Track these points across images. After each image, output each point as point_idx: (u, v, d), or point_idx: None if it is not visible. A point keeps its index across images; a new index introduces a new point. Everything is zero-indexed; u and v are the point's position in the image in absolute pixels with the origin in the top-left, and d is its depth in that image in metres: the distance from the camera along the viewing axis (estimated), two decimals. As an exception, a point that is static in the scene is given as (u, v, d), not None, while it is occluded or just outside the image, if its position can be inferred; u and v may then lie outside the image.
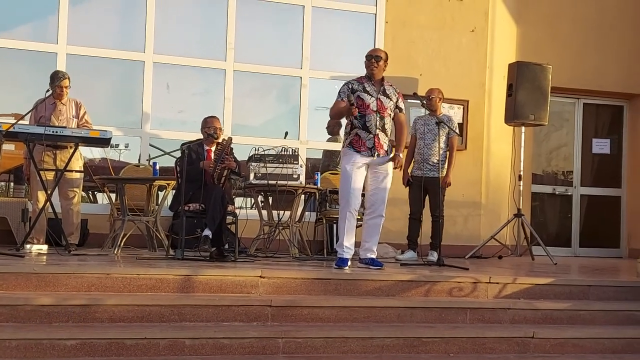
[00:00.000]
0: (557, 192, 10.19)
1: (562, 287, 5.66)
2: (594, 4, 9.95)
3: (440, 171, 7.13)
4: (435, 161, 7.27)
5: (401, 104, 6.19)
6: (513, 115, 8.39)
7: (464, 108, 9.08)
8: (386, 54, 6.23)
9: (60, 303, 4.50)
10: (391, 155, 6.09)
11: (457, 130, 7.47)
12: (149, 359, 4.22)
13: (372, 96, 6.04)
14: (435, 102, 7.46)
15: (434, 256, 6.98)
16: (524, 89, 8.36)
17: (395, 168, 6.13)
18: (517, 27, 9.61)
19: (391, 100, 6.09)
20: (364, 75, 6.16)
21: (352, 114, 5.97)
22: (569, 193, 10.21)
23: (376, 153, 6.01)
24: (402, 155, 6.17)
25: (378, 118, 6.02)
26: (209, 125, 6.84)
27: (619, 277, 6.62)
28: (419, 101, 7.09)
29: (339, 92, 6.11)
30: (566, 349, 5.01)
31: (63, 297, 4.60)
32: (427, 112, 7.46)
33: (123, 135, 8.58)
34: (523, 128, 8.62)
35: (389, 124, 6.08)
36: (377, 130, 6.00)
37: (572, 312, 5.39)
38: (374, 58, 6.10)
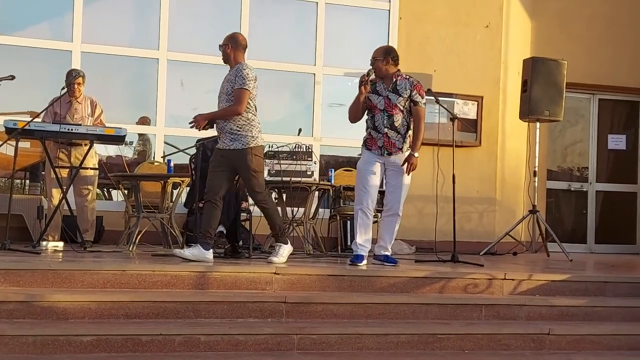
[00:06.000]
0: (572, 188, 10.13)
1: (578, 283, 5.63)
2: (608, -2, 9.89)
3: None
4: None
5: (417, 97, 5.98)
6: (528, 111, 8.34)
7: (478, 104, 9.03)
8: (384, 50, 6.07)
9: (76, 299, 4.52)
10: (407, 153, 6.03)
11: None
12: (164, 355, 4.24)
13: (380, 95, 6.00)
14: None
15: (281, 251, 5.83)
16: (539, 84, 8.31)
17: (407, 172, 5.89)
18: (532, 22, 9.56)
19: (401, 96, 5.97)
20: None
21: (364, 86, 5.86)
22: (585, 189, 10.15)
23: (386, 152, 5.97)
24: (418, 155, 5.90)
25: (385, 117, 5.97)
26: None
27: (635, 274, 6.57)
28: (433, 97, 7.06)
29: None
30: (582, 346, 4.99)
31: (79, 294, 4.63)
32: None
33: (137, 133, 8.60)
34: (538, 124, 8.57)
35: (400, 122, 5.97)
36: (386, 129, 5.96)
37: (588, 308, 5.36)
38: (371, 59, 6.03)
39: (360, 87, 5.91)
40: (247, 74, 5.73)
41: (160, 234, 7.26)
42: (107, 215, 7.78)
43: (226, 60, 5.95)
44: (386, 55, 6.00)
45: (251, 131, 5.74)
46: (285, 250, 5.78)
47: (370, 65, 6.01)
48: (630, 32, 9.90)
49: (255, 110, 5.84)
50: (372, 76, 5.98)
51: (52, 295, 4.52)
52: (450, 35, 9.04)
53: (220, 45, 5.94)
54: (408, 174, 5.96)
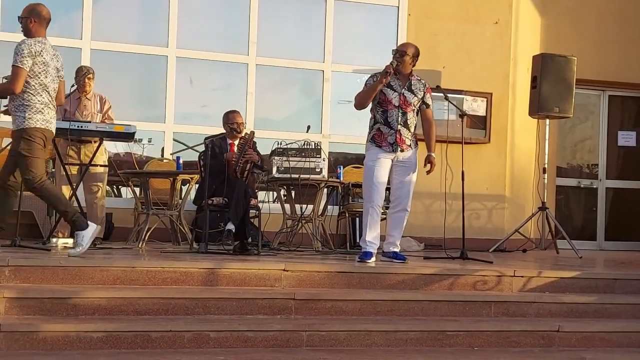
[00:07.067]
0: (582, 185, 10.09)
1: (587, 280, 5.61)
2: (618, -5, 9.84)
3: None
4: None
5: (429, 100, 6.12)
6: (537, 108, 8.32)
7: (487, 101, 9.02)
8: (416, 49, 6.10)
9: (86, 296, 4.54)
10: (415, 149, 6.08)
11: None
12: (174, 351, 4.24)
13: (395, 91, 6.01)
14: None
15: None
16: (549, 81, 8.29)
17: (428, 172, 6.10)
18: (541, 19, 9.52)
19: (416, 96, 6.03)
20: None
21: (387, 72, 5.88)
22: (594, 186, 10.11)
23: (398, 148, 5.98)
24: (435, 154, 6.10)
25: (400, 114, 5.99)
26: (232, 120, 6.86)
27: (645, 271, 6.54)
28: (442, 94, 7.05)
29: (365, 83, 6.08)
30: (592, 343, 4.97)
31: (89, 290, 4.65)
32: None
33: (146, 130, 8.62)
34: (547, 120, 8.55)
35: (412, 120, 6.03)
36: (399, 126, 5.98)
37: (598, 305, 5.34)
38: (398, 52, 6.04)
39: (382, 76, 5.90)
40: (23, 49, 5.26)
41: (170, 231, 7.28)
42: (117, 212, 7.81)
43: (27, 34, 5.44)
44: (415, 57, 6.07)
45: (25, 112, 5.29)
46: (85, 236, 5.33)
47: (399, 56, 5.99)
48: (639, 29, 9.85)
49: (42, 89, 5.36)
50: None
51: (62, 292, 4.54)
52: (459, 32, 9.02)
53: (19, 17, 5.48)
54: (428, 174, 6.12)
